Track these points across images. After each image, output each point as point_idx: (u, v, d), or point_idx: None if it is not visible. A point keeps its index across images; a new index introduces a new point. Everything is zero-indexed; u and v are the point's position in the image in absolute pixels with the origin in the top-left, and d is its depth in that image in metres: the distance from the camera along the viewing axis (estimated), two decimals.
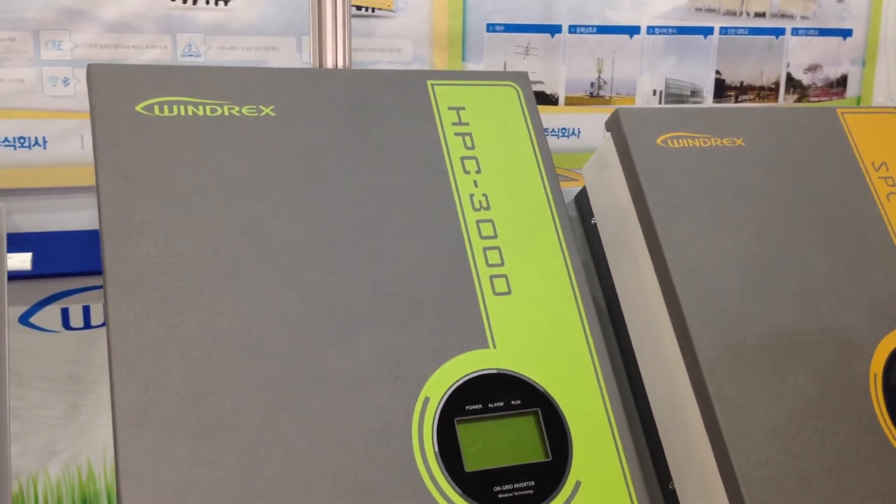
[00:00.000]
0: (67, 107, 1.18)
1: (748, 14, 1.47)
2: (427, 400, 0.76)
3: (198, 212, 0.77)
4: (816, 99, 1.54)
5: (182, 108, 0.81)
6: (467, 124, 0.89)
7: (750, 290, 0.86)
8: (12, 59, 1.14)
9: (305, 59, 1.23)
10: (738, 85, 1.49)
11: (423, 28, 1.30)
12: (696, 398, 0.82)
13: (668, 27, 1.43)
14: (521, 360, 0.80)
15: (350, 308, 0.77)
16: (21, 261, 1.00)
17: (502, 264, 0.84)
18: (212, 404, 0.71)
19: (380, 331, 0.77)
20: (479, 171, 0.87)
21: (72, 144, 1.18)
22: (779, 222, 0.90)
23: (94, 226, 0.76)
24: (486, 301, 0.81)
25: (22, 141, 1.16)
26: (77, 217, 1.19)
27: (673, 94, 1.45)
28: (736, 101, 1.49)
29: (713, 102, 1.47)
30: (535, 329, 0.82)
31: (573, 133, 1.40)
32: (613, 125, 0.92)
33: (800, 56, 1.51)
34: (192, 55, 1.20)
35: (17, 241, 1.13)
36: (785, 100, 1.52)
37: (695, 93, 1.46)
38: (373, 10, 1.28)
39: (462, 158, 0.88)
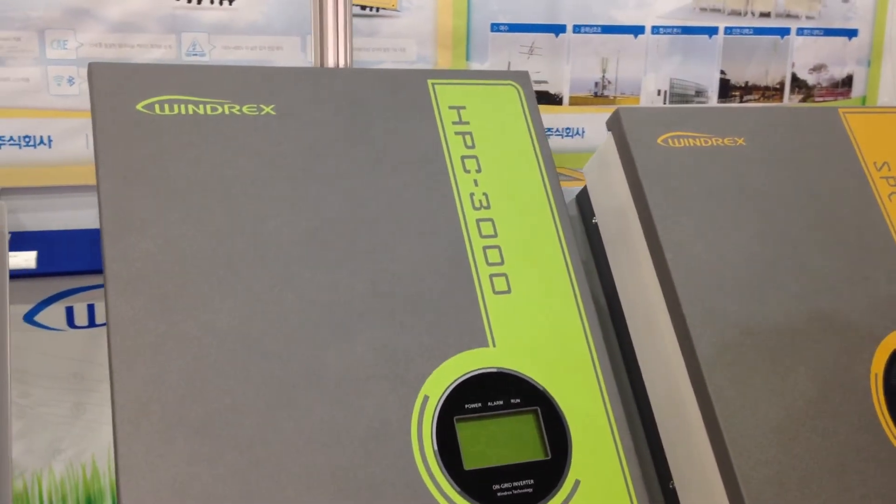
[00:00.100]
0: (72, 106, 1.18)
1: (753, 14, 1.47)
2: (426, 398, 0.76)
3: (198, 210, 0.78)
4: (822, 99, 1.54)
5: (183, 106, 0.82)
6: (468, 123, 0.89)
7: (750, 289, 0.85)
8: (17, 58, 1.14)
9: (310, 59, 1.23)
10: (743, 85, 1.48)
11: (427, 27, 1.30)
12: (696, 397, 0.81)
13: (672, 27, 1.42)
14: (521, 359, 0.80)
15: (349, 306, 0.78)
16: (26, 259, 1.00)
17: (502, 263, 0.84)
18: (211, 402, 0.71)
19: (379, 329, 0.77)
20: (479, 171, 0.87)
21: (76, 143, 1.18)
22: (779, 222, 0.90)
23: (98, 224, 0.77)
24: (485, 300, 0.81)
25: (27, 140, 1.17)
26: (82, 216, 1.19)
27: (677, 94, 1.45)
28: (741, 101, 1.49)
29: (718, 102, 1.47)
30: (534, 328, 0.82)
31: (577, 133, 1.40)
32: (614, 124, 0.92)
33: (805, 56, 1.51)
34: (196, 54, 1.20)
35: (22, 240, 1.13)
36: (790, 100, 1.52)
37: (699, 93, 1.46)
38: (377, 9, 1.28)
39: (462, 157, 0.88)
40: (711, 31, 1.45)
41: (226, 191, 0.79)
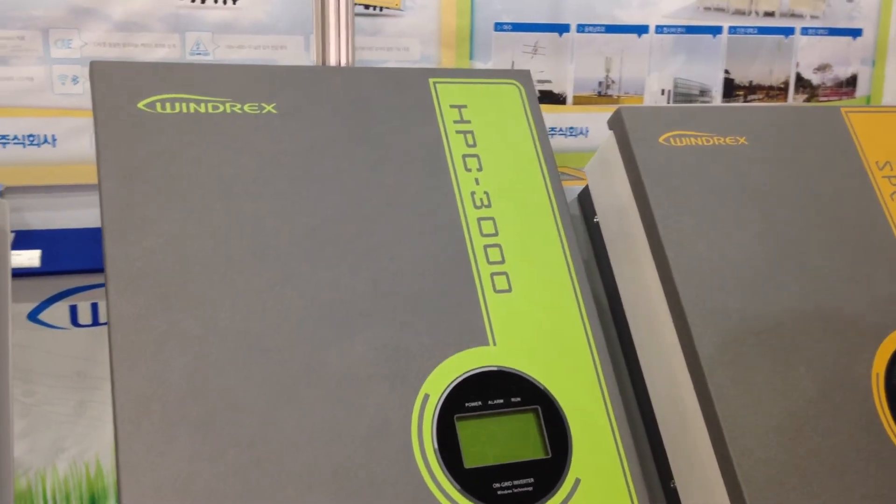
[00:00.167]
0: (76, 105, 1.18)
1: (757, 13, 1.47)
2: (427, 397, 0.76)
3: (199, 208, 0.78)
4: (826, 99, 1.54)
5: (184, 105, 0.82)
6: (469, 122, 0.90)
7: (751, 288, 0.85)
8: (22, 57, 1.15)
9: (313, 58, 1.23)
10: (748, 84, 1.48)
11: (431, 27, 1.31)
12: (697, 397, 0.81)
13: (676, 26, 1.42)
14: (522, 358, 0.80)
15: (350, 305, 0.78)
16: (30, 258, 1.00)
17: (503, 262, 0.84)
18: (212, 399, 0.71)
19: (380, 328, 0.77)
20: (480, 169, 0.88)
21: (81, 142, 1.19)
22: (781, 221, 0.90)
23: None
24: (486, 298, 0.82)
25: (31, 139, 1.17)
26: (86, 214, 1.20)
27: (681, 94, 1.45)
28: (745, 101, 1.49)
29: (722, 102, 1.47)
30: (535, 327, 0.82)
31: (581, 132, 1.40)
32: (616, 124, 0.92)
33: (809, 56, 1.51)
34: (200, 54, 1.20)
35: (27, 238, 1.14)
36: (794, 99, 1.52)
37: (703, 92, 1.46)
38: (381, 8, 1.28)
39: (463, 156, 0.88)
40: (715, 30, 1.45)
41: (227, 189, 0.79)
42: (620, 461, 0.78)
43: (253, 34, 1.23)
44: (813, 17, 1.50)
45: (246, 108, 0.83)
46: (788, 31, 1.49)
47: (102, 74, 0.81)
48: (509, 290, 0.83)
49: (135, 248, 0.75)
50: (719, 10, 1.44)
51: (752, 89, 1.49)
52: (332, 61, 0.94)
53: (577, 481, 0.76)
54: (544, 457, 0.77)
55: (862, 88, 1.56)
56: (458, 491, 0.73)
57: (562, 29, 1.37)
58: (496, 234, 0.85)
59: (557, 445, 0.77)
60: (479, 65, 1.34)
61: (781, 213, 0.90)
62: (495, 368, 0.79)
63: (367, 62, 1.27)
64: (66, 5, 1.14)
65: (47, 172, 1.18)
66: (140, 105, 0.81)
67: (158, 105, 0.81)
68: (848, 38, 1.53)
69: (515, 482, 0.75)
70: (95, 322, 1.24)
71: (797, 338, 0.84)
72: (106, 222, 0.75)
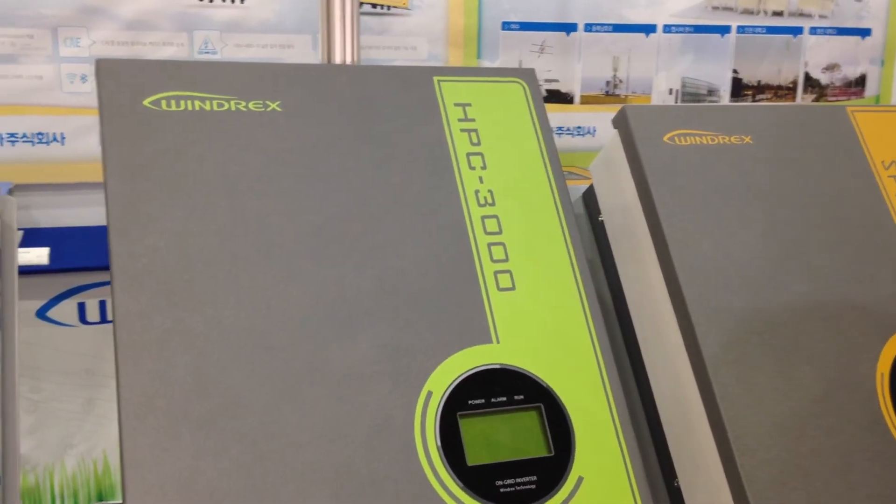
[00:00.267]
0: (85, 103, 1.19)
1: (766, 13, 1.46)
2: (430, 394, 0.76)
3: (204, 206, 0.78)
4: (835, 98, 1.53)
5: (189, 102, 0.82)
6: (473, 120, 0.90)
7: (756, 287, 0.85)
8: (31, 55, 1.15)
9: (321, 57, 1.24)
10: (756, 84, 1.48)
11: (438, 26, 1.31)
12: (701, 396, 0.81)
13: (684, 26, 1.42)
14: (525, 356, 0.80)
15: (354, 303, 0.78)
16: (38, 255, 1.01)
17: (507, 260, 0.84)
18: (216, 397, 0.71)
19: (383, 325, 0.78)
20: (484, 168, 0.88)
21: (89, 140, 1.19)
22: (786, 220, 0.90)
23: None
24: (490, 296, 0.82)
25: (40, 137, 1.18)
26: (94, 212, 1.20)
27: (689, 93, 1.44)
28: (753, 101, 1.48)
29: (730, 101, 1.47)
30: (538, 325, 0.82)
31: (588, 132, 1.40)
32: (620, 122, 0.92)
33: (818, 55, 1.51)
34: (208, 52, 1.21)
35: (35, 236, 1.14)
36: (803, 99, 1.51)
37: (711, 92, 1.46)
38: (388, 7, 1.28)
39: (468, 154, 0.88)
40: (724, 29, 1.45)
41: (231, 187, 0.79)
42: (623, 460, 0.78)
43: (261, 33, 1.23)
44: (821, 16, 1.49)
45: (251, 105, 0.83)
46: (797, 31, 1.49)
47: (108, 72, 0.82)
48: (513, 289, 0.83)
49: (140, 245, 0.75)
50: (727, 9, 1.44)
51: (760, 89, 1.48)
52: (338, 59, 0.94)
53: (580, 479, 0.76)
54: (547, 455, 0.77)
55: (871, 88, 1.55)
56: (461, 488, 0.73)
57: (569, 28, 1.37)
58: (500, 233, 0.85)
59: (560, 443, 0.78)
60: (486, 64, 1.34)
61: (786, 213, 0.90)
62: (499, 366, 0.79)
63: (374, 61, 1.28)
64: (74, 4, 1.15)
65: (56, 170, 1.19)
66: (145, 102, 0.81)
67: (164, 102, 0.81)
68: (857, 38, 1.52)
69: (518, 480, 0.75)
70: (103, 319, 1.25)
71: (801, 337, 0.84)
72: (111, 219, 0.76)
